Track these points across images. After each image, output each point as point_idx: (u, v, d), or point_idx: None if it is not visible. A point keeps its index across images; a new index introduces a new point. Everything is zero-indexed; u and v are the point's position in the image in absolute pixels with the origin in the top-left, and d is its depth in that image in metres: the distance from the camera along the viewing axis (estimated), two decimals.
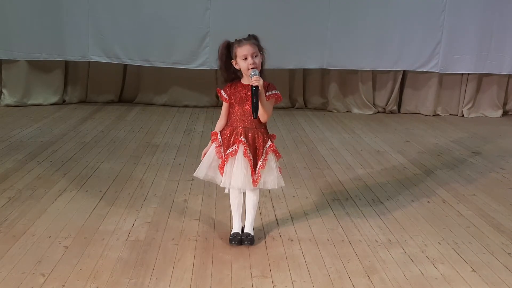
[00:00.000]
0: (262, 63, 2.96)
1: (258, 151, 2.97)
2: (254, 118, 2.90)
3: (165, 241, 3.12)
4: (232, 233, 3.12)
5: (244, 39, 2.92)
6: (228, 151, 2.96)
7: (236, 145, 2.95)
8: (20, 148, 5.00)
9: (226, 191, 3.08)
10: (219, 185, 3.05)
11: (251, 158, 2.94)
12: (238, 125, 2.97)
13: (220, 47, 2.98)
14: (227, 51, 2.95)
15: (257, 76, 2.84)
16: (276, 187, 3.05)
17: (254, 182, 2.95)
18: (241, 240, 3.08)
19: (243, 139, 2.94)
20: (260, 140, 2.97)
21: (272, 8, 7.11)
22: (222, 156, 2.98)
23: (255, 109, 2.86)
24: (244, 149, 2.92)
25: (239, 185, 2.95)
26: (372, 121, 7.13)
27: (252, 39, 2.93)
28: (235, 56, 2.92)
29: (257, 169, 2.95)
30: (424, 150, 5.57)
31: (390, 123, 7.03)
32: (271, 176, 2.99)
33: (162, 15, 7.04)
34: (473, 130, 6.71)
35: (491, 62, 7.46)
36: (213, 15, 7.08)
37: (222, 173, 2.98)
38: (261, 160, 2.96)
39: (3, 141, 5.21)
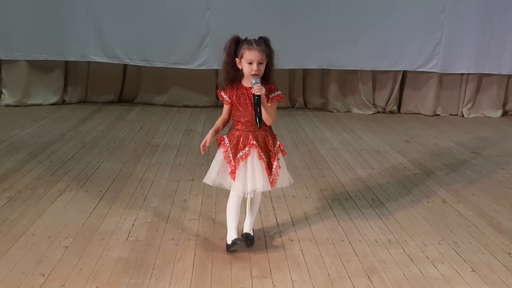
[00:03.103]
0: (271, 67, 2.92)
1: (271, 152, 2.95)
2: (258, 127, 2.86)
3: (165, 241, 3.12)
4: (234, 239, 2.96)
5: (255, 42, 2.85)
6: (238, 155, 2.90)
7: (247, 148, 2.90)
8: (20, 148, 5.00)
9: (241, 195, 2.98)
10: (229, 190, 3.00)
11: (265, 160, 2.92)
12: (246, 129, 2.93)
13: (228, 41, 2.90)
14: (236, 47, 2.88)
15: (259, 84, 2.80)
16: (288, 185, 3.06)
17: (272, 183, 2.94)
18: (246, 241, 3.06)
19: (255, 142, 2.90)
20: (271, 142, 2.96)
21: (272, 8, 7.12)
22: (231, 161, 2.92)
23: (259, 119, 2.83)
24: (258, 151, 2.90)
25: (258, 188, 2.90)
26: (372, 121, 7.13)
27: (263, 44, 2.86)
28: (241, 57, 2.86)
29: (273, 170, 2.93)
30: (424, 150, 5.57)
31: (390, 123, 7.03)
32: (284, 175, 3.00)
33: (162, 15, 7.04)
34: (473, 130, 6.71)
35: (491, 62, 7.47)
36: (213, 15, 7.08)
37: (234, 178, 2.91)
38: (275, 161, 2.94)
39: (3, 141, 5.21)
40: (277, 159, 2.96)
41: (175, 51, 7.17)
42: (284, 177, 3.01)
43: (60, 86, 7.38)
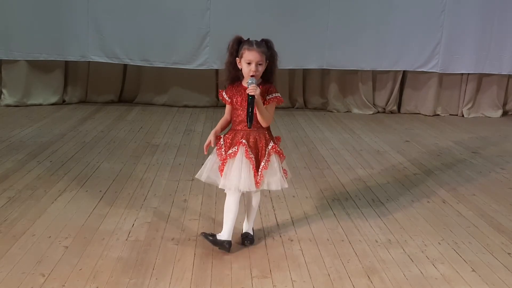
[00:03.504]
0: (273, 69, 2.93)
1: (261, 153, 2.94)
2: (248, 127, 2.87)
3: (165, 241, 3.12)
4: (223, 240, 2.98)
5: (256, 43, 2.87)
6: (228, 152, 2.92)
7: (236, 146, 2.91)
8: (20, 148, 4.99)
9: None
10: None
11: (253, 159, 2.91)
12: (241, 128, 2.94)
13: (231, 41, 2.92)
14: (238, 47, 2.90)
15: (254, 85, 2.81)
16: (280, 188, 3.02)
17: (257, 183, 2.92)
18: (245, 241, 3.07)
19: (244, 141, 2.91)
20: (262, 142, 2.95)
21: (272, 8, 7.12)
22: (222, 156, 2.95)
23: (250, 119, 2.83)
24: (246, 150, 2.89)
25: (241, 186, 2.90)
26: (372, 121, 7.13)
27: (264, 46, 2.87)
28: (241, 57, 2.88)
29: (260, 170, 2.92)
30: (424, 150, 5.57)
31: (390, 123, 7.03)
32: (274, 177, 2.96)
33: (162, 15, 7.05)
34: (473, 130, 6.72)
35: (491, 62, 7.47)
36: (213, 15, 7.08)
37: (222, 174, 2.94)
38: (263, 161, 2.93)
39: (3, 141, 5.21)
40: (267, 160, 2.93)
41: (175, 51, 7.17)
42: (273, 179, 2.95)
43: (60, 86, 7.38)
